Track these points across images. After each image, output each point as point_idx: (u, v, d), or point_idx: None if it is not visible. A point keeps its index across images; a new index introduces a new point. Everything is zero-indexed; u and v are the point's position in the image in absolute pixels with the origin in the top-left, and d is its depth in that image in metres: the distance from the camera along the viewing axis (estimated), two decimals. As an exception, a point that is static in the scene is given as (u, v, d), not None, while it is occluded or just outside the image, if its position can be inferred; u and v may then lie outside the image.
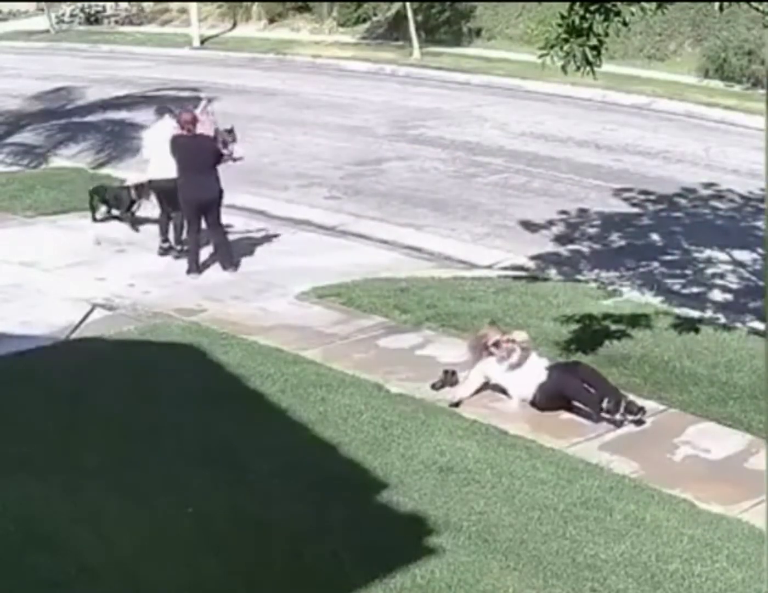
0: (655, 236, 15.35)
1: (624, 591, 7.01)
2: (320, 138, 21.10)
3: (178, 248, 14.00)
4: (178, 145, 13.27)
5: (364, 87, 26.91)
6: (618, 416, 9.37)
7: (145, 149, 14.54)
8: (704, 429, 9.51)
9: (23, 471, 8.13)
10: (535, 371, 9.80)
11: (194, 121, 13.39)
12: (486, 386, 9.97)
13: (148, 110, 21.51)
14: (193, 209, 13.32)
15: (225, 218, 13.71)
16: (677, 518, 7.95)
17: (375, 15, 34.92)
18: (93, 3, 40.24)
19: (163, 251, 14.06)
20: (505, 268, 14.06)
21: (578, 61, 8.81)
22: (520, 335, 10.08)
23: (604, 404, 9.38)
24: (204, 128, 14.04)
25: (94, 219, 15.47)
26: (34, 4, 41.30)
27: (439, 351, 10.91)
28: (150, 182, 14.27)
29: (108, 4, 40.58)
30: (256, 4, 37.35)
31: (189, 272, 13.34)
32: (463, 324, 11.42)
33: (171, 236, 14.10)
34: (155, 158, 13.89)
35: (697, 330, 11.31)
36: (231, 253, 13.66)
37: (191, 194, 13.19)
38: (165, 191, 13.78)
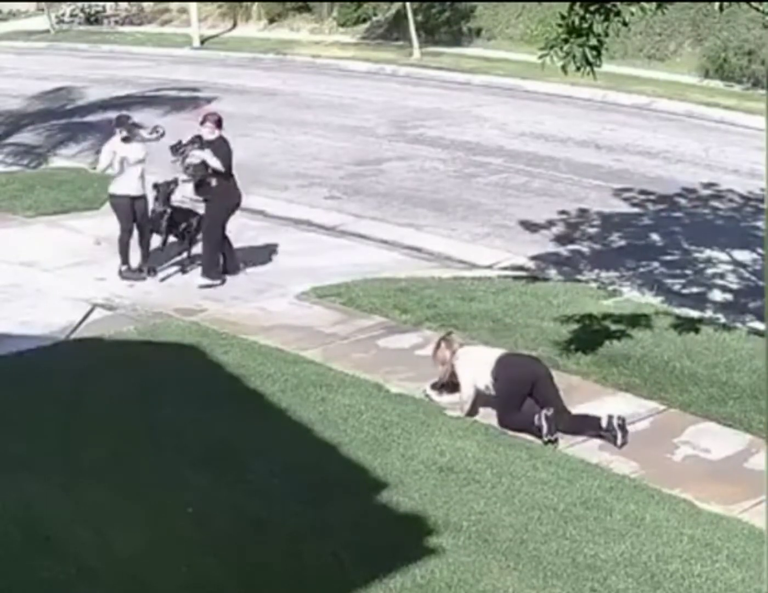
0: (655, 236, 15.35)
1: (624, 591, 7.01)
2: (320, 138, 21.09)
3: (145, 272, 13.15)
4: (229, 148, 12.84)
5: (364, 87, 26.91)
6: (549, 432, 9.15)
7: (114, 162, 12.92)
8: (704, 429, 9.51)
9: (23, 470, 8.12)
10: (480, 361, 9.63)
11: (221, 122, 13.01)
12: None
13: (148, 110, 21.64)
14: (230, 214, 13.11)
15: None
16: (677, 518, 7.96)
17: (375, 15, 34.93)
18: (93, 3, 40.26)
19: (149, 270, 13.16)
20: (505, 268, 14.05)
21: (578, 61, 8.83)
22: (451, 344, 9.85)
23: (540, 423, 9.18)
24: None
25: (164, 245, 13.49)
26: (34, 4, 41.33)
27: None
28: (113, 196, 13.03)
29: (108, 4, 40.62)
30: (256, 4, 37.38)
31: (207, 276, 12.94)
32: (463, 324, 11.43)
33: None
34: (120, 173, 12.88)
35: (697, 330, 11.32)
36: (235, 256, 13.61)
37: (236, 198, 13.01)
38: (124, 208, 12.90)
